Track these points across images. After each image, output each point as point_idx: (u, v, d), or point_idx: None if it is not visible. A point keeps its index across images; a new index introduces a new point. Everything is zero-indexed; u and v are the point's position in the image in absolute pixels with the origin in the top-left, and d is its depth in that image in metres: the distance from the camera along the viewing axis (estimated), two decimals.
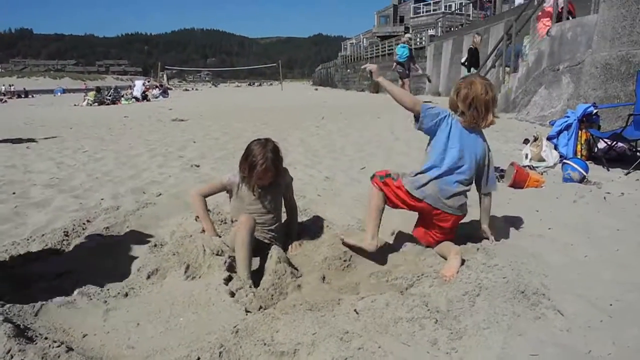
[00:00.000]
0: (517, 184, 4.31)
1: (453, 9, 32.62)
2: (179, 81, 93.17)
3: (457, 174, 2.67)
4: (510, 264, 2.41)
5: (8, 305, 2.05)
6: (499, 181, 4.51)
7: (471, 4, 25.95)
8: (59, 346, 1.80)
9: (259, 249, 2.76)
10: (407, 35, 19.97)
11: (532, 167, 5.12)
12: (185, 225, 3.20)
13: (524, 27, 11.87)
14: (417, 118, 2.73)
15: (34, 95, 38.46)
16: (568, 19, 9.71)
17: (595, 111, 5.64)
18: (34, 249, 2.97)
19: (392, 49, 28.66)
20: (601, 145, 5.52)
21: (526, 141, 6.09)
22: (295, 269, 2.69)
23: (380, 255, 2.84)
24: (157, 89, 29.93)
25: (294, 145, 7.41)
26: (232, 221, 3.08)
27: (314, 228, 3.25)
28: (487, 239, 2.87)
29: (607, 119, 6.55)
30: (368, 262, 2.76)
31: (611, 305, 2.13)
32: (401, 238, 3.07)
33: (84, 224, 3.40)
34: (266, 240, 2.88)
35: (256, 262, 2.72)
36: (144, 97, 24.30)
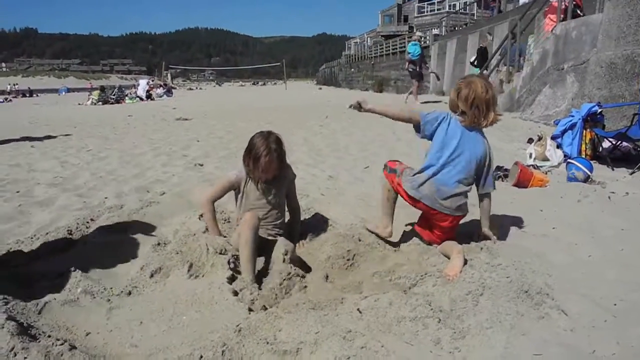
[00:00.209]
0: (521, 183, 4.30)
1: (457, 8, 32.53)
2: (183, 80, 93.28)
3: (455, 172, 2.66)
4: (514, 263, 2.41)
5: (12, 303, 2.06)
6: (502, 180, 4.51)
7: (475, 3, 25.88)
8: (62, 344, 1.80)
9: (263, 247, 2.74)
10: (418, 33, 19.78)
11: (536, 167, 5.11)
12: (188, 224, 3.21)
13: (529, 26, 11.83)
14: (417, 128, 2.78)
15: (39, 94, 38.56)
16: (577, 12, 9.63)
17: (599, 110, 5.61)
18: (38, 247, 2.98)
19: (396, 49, 28.62)
20: (606, 144, 5.49)
21: (530, 140, 6.07)
22: (302, 266, 2.68)
23: (383, 254, 2.85)
24: (161, 88, 30.00)
25: (298, 145, 7.41)
26: (238, 220, 3.07)
27: (317, 227, 3.26)
28: (487, 239, 2.86)
29: (611, 119, 6.51)
30: (371, 262, 2.76)
31: (615, 305, 2.12)
32: (405, 235, 3.08)
33: (87, 222, 3.41)
34: (270, 237, 2.86)
35: (261, 260, 2.72)
36: (148, 96, 24.33)
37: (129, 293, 2.42)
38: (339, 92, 33.21)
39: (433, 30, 26.82)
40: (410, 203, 2.80)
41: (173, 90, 33.55)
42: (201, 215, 3.23)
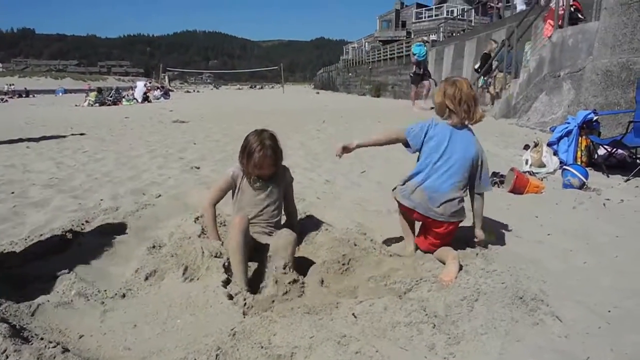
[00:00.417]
0: (517, 189, 4.31)
1: (455, 14, 32.71)
2: (181, 83, 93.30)
3: (447, 176, 2.67)
4: (509, 269, 2.41)
5: (4, 305, 2.04)
6: (498, 187, 4.51)
7: (473, 10, 26.01)
8: (55, 347, 1.79)
9: (257, 248, 2.72)
10: (422, 38, 19.78)
11: (532, 173, 5.12)
12: (184, 227, 3.19)
13: (526, 33, 11.90)
14: (406, 144, 2.82)
15: (35, 95, 38.46)
16: (577, 17, 9.65)
17: (595, 118, 5.65)
18: (32, 249, 2.95)
19: (393, 54, 28.71)
20: (601, 151, 5.52)
21: (526, 147, 6.09)
22: (298, 268, 2.66)
23: (378, 259, 2.85)
24: (158, 90, 29.95)
25: (295, 149, 7.40)
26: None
27: (313, 231, 3.25)
28: (481, 244, 2.86)
29: (607, 126, 6.55)
30: (367, 266, 2.75)
31: (610, 311, 2.12)
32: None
33: (82, 224, 3.39)
34: (265, 236, 2.83)
35: (260, 260, 2.69)
36: (145, 98, 24.29)
37: (123, 296, 2.40)
38: (337, 96, 33.26)
39: (431, 36, 26.92)
40: (408, 214, 2.83)
41: (170, 92, 33.50)
42: (197, 218, 3.21)
